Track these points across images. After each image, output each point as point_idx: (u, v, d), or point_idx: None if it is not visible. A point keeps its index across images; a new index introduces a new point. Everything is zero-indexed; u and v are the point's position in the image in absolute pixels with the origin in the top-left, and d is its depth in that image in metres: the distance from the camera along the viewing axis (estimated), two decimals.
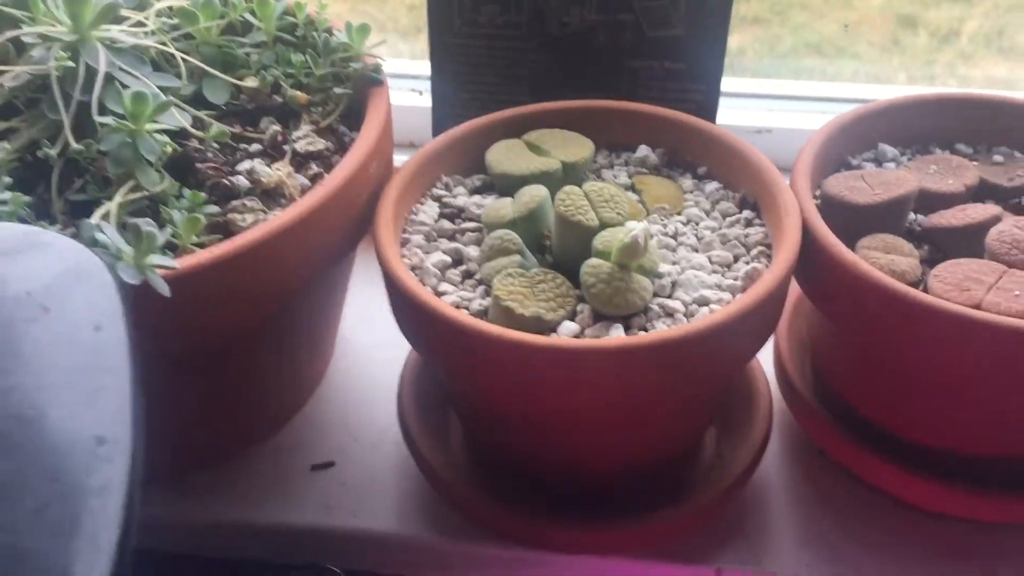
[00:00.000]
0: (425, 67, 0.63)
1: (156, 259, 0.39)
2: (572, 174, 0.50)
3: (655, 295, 0.43)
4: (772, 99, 0.70)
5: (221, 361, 0.48)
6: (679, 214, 0.49)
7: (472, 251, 0.47)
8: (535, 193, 0.47)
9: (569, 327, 0.42)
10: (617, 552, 0.48)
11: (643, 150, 0.53)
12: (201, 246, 0.44)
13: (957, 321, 0.40)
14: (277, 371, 0.53)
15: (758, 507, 0.50)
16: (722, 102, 0.59)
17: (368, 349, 0.60)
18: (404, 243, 0.48)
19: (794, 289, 0.50)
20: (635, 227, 0.41)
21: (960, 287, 0.43)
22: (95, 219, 0.42)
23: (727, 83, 0.59)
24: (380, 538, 0.50)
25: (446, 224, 0.49)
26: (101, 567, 0.26)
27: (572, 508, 0.47)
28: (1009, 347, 0.40)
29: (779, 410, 0.52)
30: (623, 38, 0.58)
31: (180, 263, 0.40)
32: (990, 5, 1.10)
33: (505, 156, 0.51)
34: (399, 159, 0.52)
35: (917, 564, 0.48)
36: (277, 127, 0.51)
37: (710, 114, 0.59)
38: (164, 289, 0.39)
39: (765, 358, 0.54)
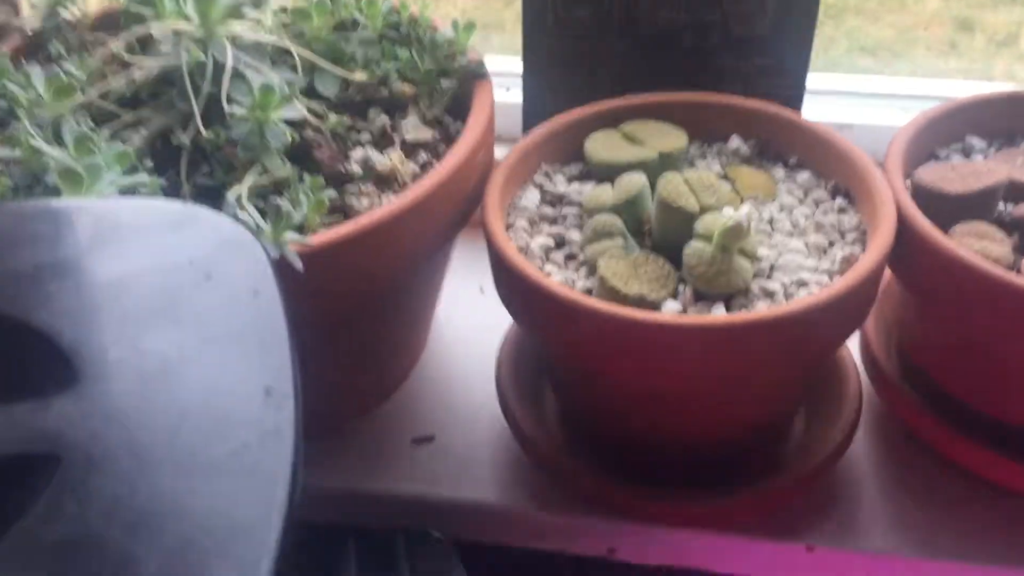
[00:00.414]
0: (510, 63, 0.66)
1: (291, 236, 0.42)
2: (668, 163, 0.52)
3: (754, 277, 0.45)
4: (852, 96, 0.72)
5: (335, 336, 0.51)
6: (773, 201, 0.51)
7: (574, 235, 0.49)
8: (635, 180, 0.49)
9: (671, 306, 0.44)
10: (710, 524, 0.50)
11: (735, 141, 0.55)
12: (322, 227, 0.47)
13: None
14: (382, 347, 0.56)
15: (850, 486, 0.52)
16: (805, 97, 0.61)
17: (462, 332, 0.62)
18: (509, 227, 0.50)
19: None
20: (740, 210, 0.44)
21: None
22: (231, 199, 0.45)
23: (808, 79, 0.61)
24: (480, 508, 0.53)
25: (548, 210, 0.51)
26: (280, 501, 0.29)
27: (665, 481, 0.49)
28: None
29: (867, 393, 0.54)
30: (710, 37, 0.60)
31: (312, 240, 0.43)
32: None
33: (603, 146, 0.53)
34: None
35: (1008, 546, 0.49)
36: (385, 117, 0.54)
37: (796, 108, 0.61)
38: (298, 263, 0.42)
39: (851, 344, 0.55)
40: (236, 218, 0.42)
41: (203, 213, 0.38)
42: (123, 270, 0.35)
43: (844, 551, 0.50)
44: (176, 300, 0.35)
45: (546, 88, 0.64)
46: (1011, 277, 0.42)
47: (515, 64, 0.64)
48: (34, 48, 0.58)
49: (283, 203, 0.43)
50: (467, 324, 0.62)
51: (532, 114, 0.64)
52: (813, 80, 0.63)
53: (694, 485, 0.49)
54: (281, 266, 0.42)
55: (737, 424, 0.49)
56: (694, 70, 0.62)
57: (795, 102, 0.61)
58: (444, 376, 0.60)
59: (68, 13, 0.59)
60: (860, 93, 0.71)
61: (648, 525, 0.51)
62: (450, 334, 0.62)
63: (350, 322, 0.50)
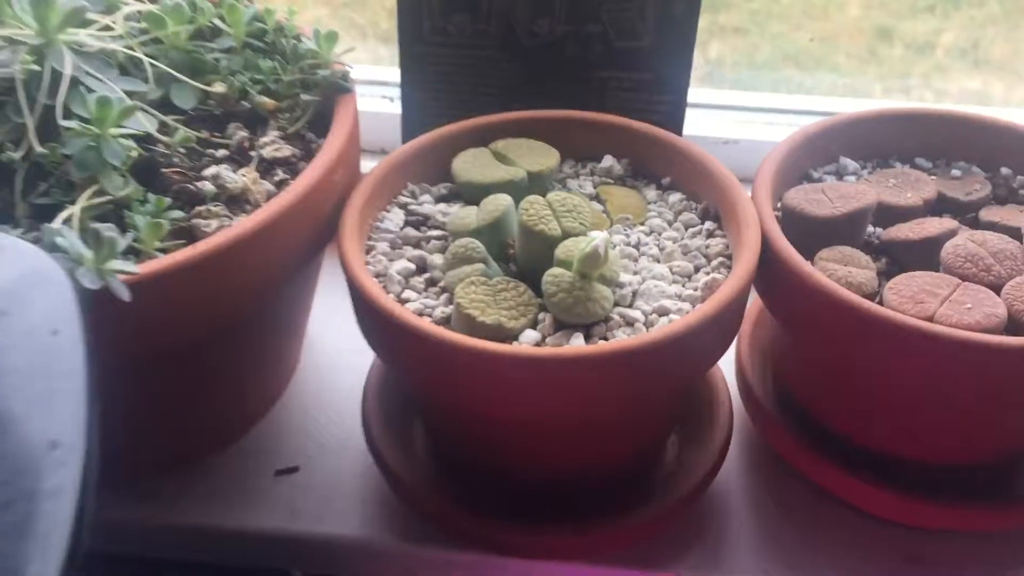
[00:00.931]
0: (397, 74, 0.64)
1: (117, 264, 0.39)
2: (538, 183, 0.50)
3: (616, 304, 0.44)
4: (740, 111, 0.71)
5: (184, 365, 0.48)
6: (642, 224, 0.50)
7: (437, 259, 0.47)
8: (499, 202, 0.47)
9: (530, 335, 0.43)
10: (578, 556, 0.48)
11: (608, 160, 0.53)
12: (165, 251, 0.44)
13: (908, 333, 0.41)
14: (241, 376, 0.53)
15: (718, 513, 0.51)
16: (689, 112, 0.60)
17: (333, 356, 0.60)
18: (369, 250, 0.48)
19: (757, 300, 0.51)
20: (596, 237, 0.42)
21: (915, 300, 0.43)
22: (56, 223, 0.42)
23: (695, 93, 0.60)
24: (344, 543, 0.50)
25: (411, 232, 0.49)
26: (53, 568, 0.26)
27: (534, 513, 0.48)
28: (958, 359, 0.41)
29: (740, 418, 0.53)
30: (591, 49, 0.59)
31: (141, 268, 0.41)
32: (966, 18, 1.12)
33: (471, 165, 0.51)
34: (369, 166, 0.52)
35: (875, 572, 0.49)
36: (244, 133, 0.52)
37: (677, 124, 0.60)
38: (124, 294, 0.39)
39: (727, 367, 0.54)
40: (55, 245, 0.39)
41: (6, 241, 0.35)
42: None
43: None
44: None
45: (426, 100, 0.62)
46: (867, 306, 0.42)
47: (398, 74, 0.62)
48: None
49: (105, 228, 0.40)
50: (338, 346, 0.60)
51: (412, 128, 0.62)
52: (698, 94, 0.62)
53: (563, 517, 0.48)
54: (105, 299, 0.39)
55: (603, 453, 0.47)
56: (575, 83, 0.60)
57: (677, 117, 0.60)
58: (312, 403, 0.57)
59: None
60: (746, 108, 0.71)
61: (515, 559, 0.49)
62: (320, 357, 0.60)
63: (198, 353, 0.47)
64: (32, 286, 0.34)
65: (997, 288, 0.44)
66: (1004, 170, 0.53)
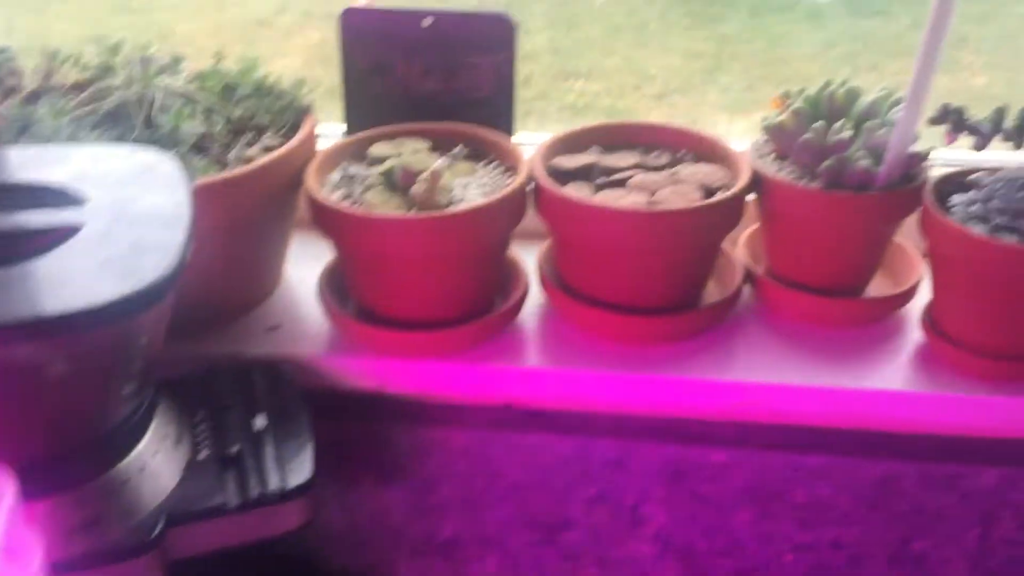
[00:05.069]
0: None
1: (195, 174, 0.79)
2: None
3: (450, 204, 0.84)
4: None
5: (234, 241, 0.86)
6: (473, 175, 0.90)
7: (358, 192, 0.87)
8: (392, 162, 0.87)
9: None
10: (454, 348, 0.86)
11: (458, 148, 0.94)
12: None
13: (597, 210, 0.81)
14: (257, 262, 0.92)
15: (518, 333, 0.90)
16: None
17: (299, 281, 0.99)
18: (321, 188, 0.88)
19: (553, 241, 0.91)
20: (438, 163, 0.82)
21: (605, 198, 0.84)
22: None
23: None
24: (304, 359, 0.88)
25: (344, 181, 0.89)
26: (183, 243, 0.64)
27: (411, 330, 0.86)
28: (616, 221, 0.81)
29: (543, 294, 0.92)
30: (455, 99, 1.01)
31: (202, 180, 0.80)
32: None
33: (379, 149, 0.92)
34: None
35: (596, 365, 0.87)
36: (252, 134, 0.92)
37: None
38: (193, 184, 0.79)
39: (532, 265, 0.94)
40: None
41: (142, 151, 0.75)
42: (107, 168, 0.71)
43: (505, 367, 0.87)
44: (134, 176, 0.71)
45: (359, 121, 1.03)
46: (580, 198, 0.82)
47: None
48: (33, 98, 0.95)
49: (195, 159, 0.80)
50: (302, 275, 0.99)
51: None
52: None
53: (429, 329, 0.86)
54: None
55: (449, 294, 0.86)
56: (445, 119, 1.02)
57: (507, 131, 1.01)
58: (289, 298, 0.96)
59: (56, 79, 0.96)
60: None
61: (401, 359, 0.87)
62: (292, 282, 0.99)
63: (241, 228, 0.86)
64: (163, 160, 0.73)
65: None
66: (680, 152, 0.95)
